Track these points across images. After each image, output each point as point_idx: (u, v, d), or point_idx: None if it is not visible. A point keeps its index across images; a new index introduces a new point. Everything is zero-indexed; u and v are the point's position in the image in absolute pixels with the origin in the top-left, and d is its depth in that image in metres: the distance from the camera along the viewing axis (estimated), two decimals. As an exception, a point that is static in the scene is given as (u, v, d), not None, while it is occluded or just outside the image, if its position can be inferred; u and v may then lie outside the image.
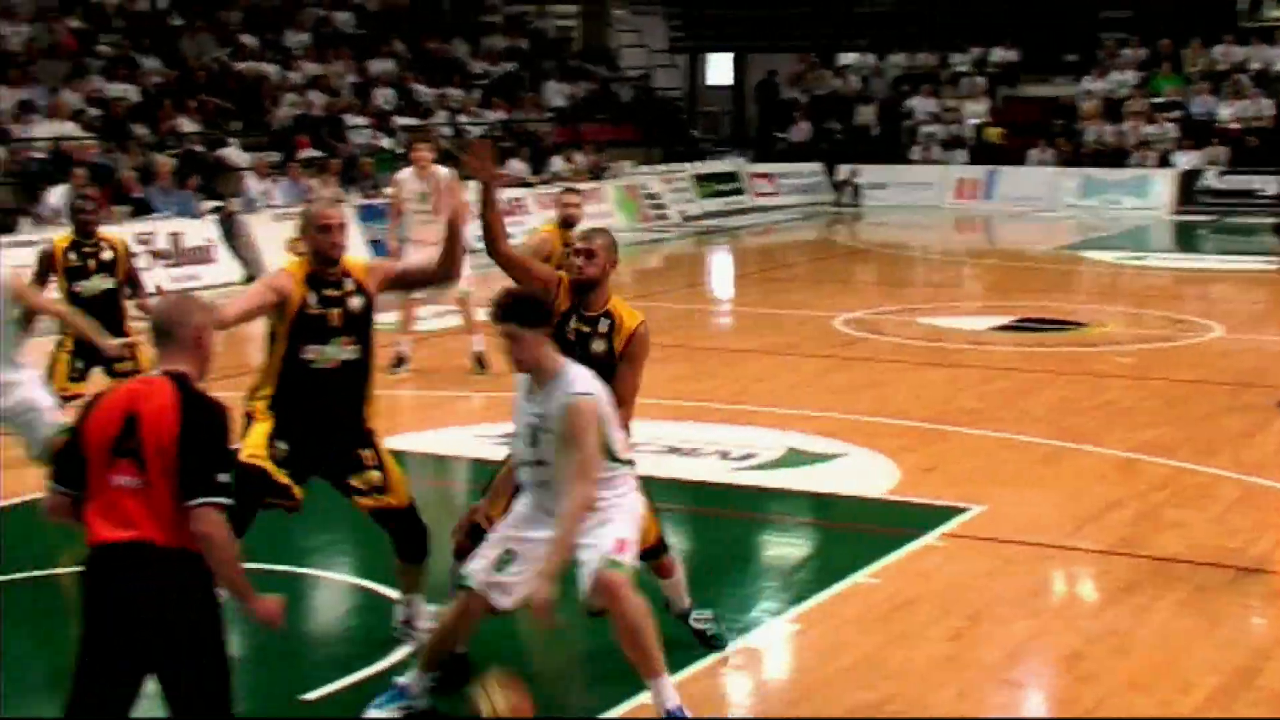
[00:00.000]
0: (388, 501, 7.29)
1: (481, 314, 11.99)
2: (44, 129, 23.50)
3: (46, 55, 25.73)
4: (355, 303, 7.15)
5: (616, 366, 7.07)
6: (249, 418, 7.15)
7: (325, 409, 7.16)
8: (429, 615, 7.41)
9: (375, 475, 7.28)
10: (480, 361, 14.70)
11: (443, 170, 15.26)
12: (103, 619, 5.02)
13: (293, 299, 7.03)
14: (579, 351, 7.01)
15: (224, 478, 5.06)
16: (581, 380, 6.46)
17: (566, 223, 12.06)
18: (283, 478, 7.04)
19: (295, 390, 7.11)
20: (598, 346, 7.12)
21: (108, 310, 11.23)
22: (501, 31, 36.67)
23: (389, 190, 15.74)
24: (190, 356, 5.22)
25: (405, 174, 15.21)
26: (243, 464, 6.82)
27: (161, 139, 24.83)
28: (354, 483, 7.26)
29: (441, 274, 7.53)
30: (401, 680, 6.78)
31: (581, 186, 29.78)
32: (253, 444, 7.02)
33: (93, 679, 5.05)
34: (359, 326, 7.16)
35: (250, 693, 6.22)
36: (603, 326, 7.17)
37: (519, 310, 6.38)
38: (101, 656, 5.03)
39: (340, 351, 7.11)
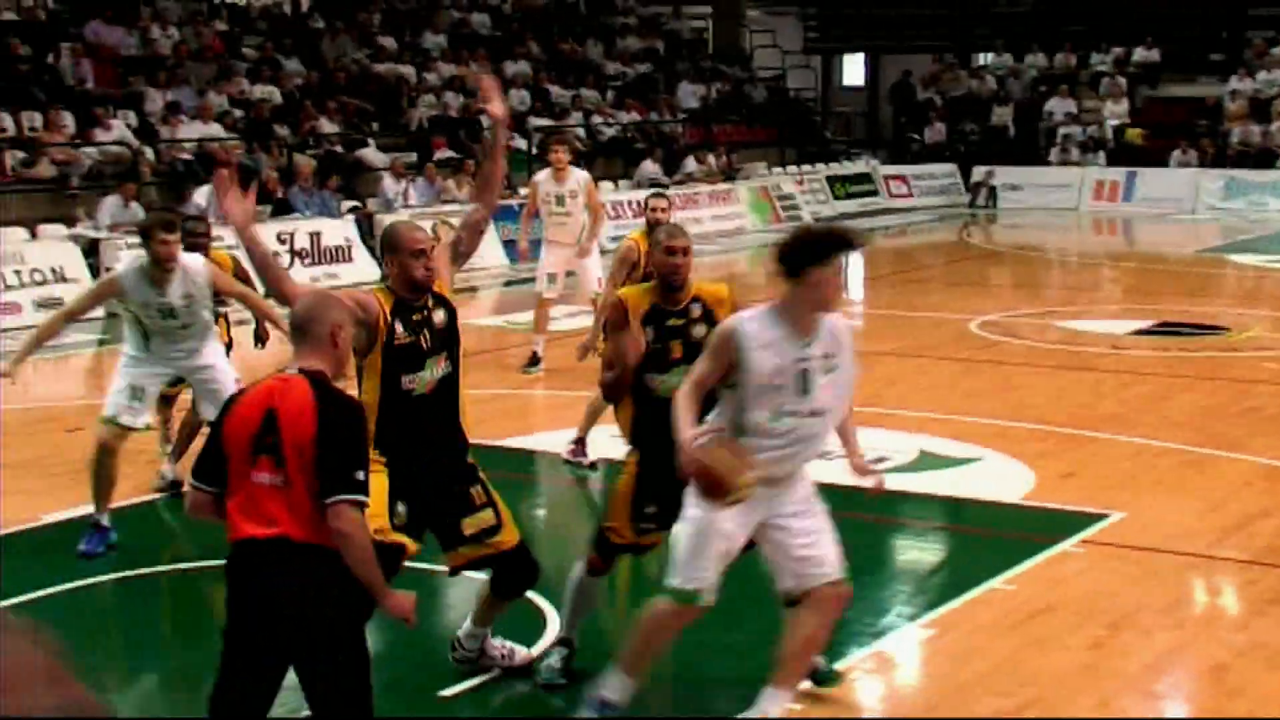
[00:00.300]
0: (500, 544, 6.83)
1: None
2: (190, 130, 23.91)
3: (194, 58, 26.19)
4: (439, 317, 6.73)
5: None
6: None
7: (427, 438, 6.70)
8: (496, 644, 7.23)
9: (488, 515, 6.83)
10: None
11: (581, 173, 15.32)
12: (245, 613, 5.09)
13: (379, 327, 6.52)
14: (683, 343, 6.91)
15: (361, 475, 5.08)
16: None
17: (655, 226, 11.86)
18: (403, 540, 6.58)
19: (396, 421, 6.61)
20: (698, 331, 6.94)
21: None
22: (635, 33, 36.74)
23: (525, 191, 15.80)
24: (326, 354, 5.26)
25: (542, 175, 15.24)
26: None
27: (302, 140, 25.15)
28: (466, 528, 6.75)
29: (484, 203, 7.20)
30: (604, 693, 6.56)
31: (715, 188, 29.89)
32: (374, 514, 6.28)
33: (236, 672, 5.12)
34: (449, 343, 6.76)
35: (389, 689, 6.24)
36: (695, 311, 7.02)
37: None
38: (244, 650, 5.09)
39: (435, 372, 6.68)
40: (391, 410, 6.58)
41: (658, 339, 6.95)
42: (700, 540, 6.23)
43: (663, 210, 11.73)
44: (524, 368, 14.75)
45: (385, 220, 22.94)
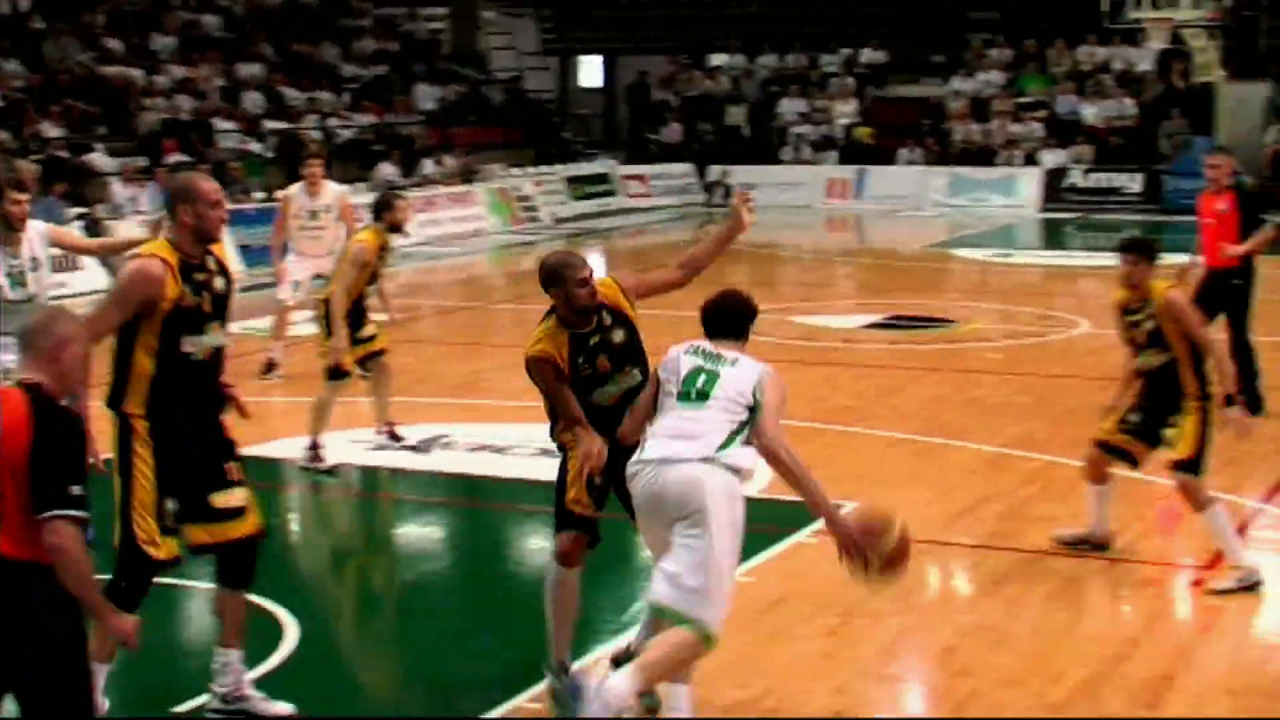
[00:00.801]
0: (242, 530, 6.67)
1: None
2: (-98, 135, 22.99)
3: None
4: (219, 284, 6.67)
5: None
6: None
7: (199, 405, 6.63)
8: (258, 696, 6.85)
9: (240, 494, 6.69)
10: None
11: (336, 186, 15.12)
12: None
13: (168, 291, 6.44)
14: (608, 355, 6.95)
15: (77, 490, 4.96)
16: None
17: (394, 228, 11.75)
18: (163, 554, 6.47)
19: (173, 386, 6.51)
20: (618, 335, 7.02)
21: None
22: (371, 34, 36.39)
23: (278, 202, 15.50)
24: (48, 368, 5.11)
25: (295, 189, 14.96)
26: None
27: (25, 144, 24.35)
28: (215, 502, 6.58)
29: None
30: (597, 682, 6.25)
31: (453, 190, 29.77)
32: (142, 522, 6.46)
33: None
34: (224, 311, 6.69)
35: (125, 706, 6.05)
36: (606, 319, 7.03)
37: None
38: None
39: (214, 339, 6.62)
40: (169, 374, 6.47)
41: (587, 361, 6.91)
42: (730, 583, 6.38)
43: (404, 209, 11.70)
44: (261, 374, 14.54)
45: (113, 226, 22.41)
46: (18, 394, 5.01)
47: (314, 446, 11.30)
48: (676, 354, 6.63)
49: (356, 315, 11.45)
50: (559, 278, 6.89)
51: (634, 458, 6.45)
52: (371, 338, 11.67)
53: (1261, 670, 7.65)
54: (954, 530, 9.74)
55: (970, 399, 13.77)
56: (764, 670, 7.36)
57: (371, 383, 11.81)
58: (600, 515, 7.04)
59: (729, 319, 6.79)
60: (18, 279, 9.09)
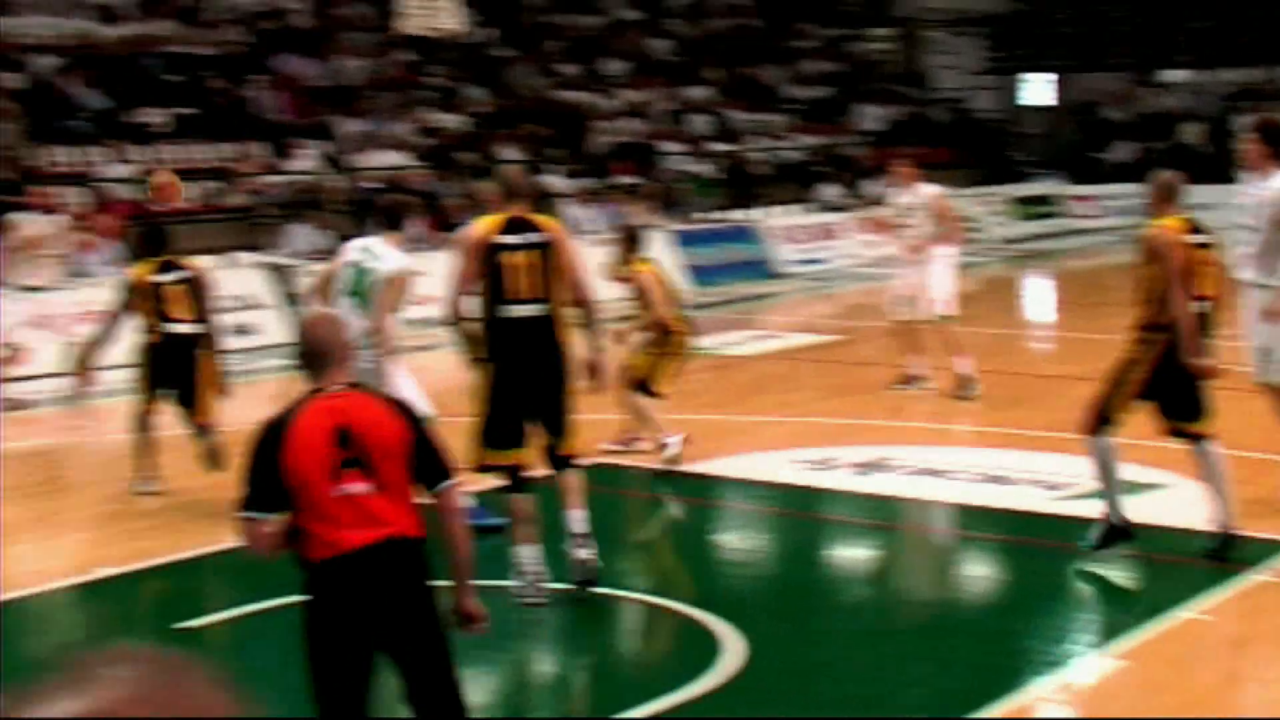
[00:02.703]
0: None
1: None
2: (377, 158, 24.30)
3: (380, 88, 26.62)
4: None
5: None
6: None
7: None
8: None
9: None
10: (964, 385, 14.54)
11: (930, 187, 15.14)
12: (359, 618, 5.26)
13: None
14: None
15: (449, 459, 5.50)
16: None
17: None
18: None
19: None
20: None
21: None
22: (816, 56, 36.59)
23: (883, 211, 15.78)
24: (349, 369, 5.52)
25: (892, 190, 15.18)
26: None
27: (484, 167, 25.40)
28: None
29: None
30: None
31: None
32: None
33: (345, 676, 5.29)
34: None
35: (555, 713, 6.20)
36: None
37: None
38: (355, 654, 5.29)
39: None
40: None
41: None
42: None
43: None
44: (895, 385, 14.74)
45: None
46: (363, 395, 5.45)
47: None
48: None
49: None
50: None
51: None
52: None
53: None
54: None
55: None
56: (1223, 715, 6.98)
57: None
58: None
59: None
60: None
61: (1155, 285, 8.91)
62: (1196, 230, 9.09)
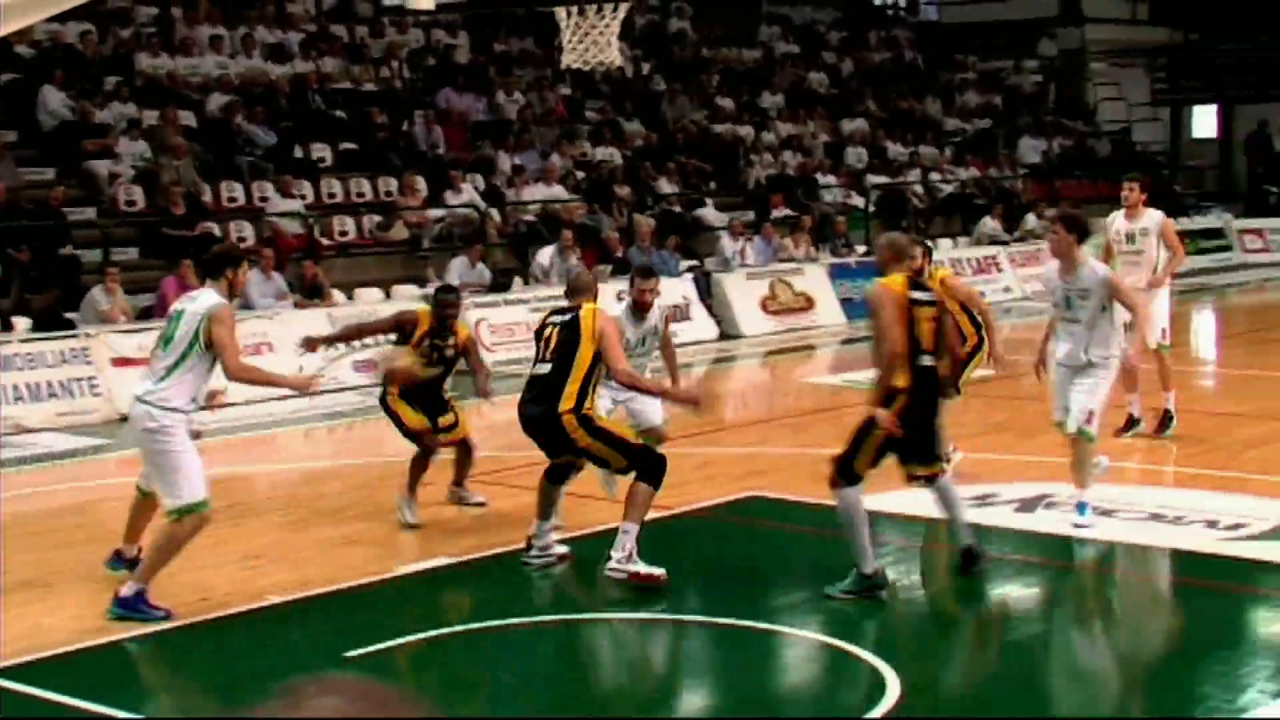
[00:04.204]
0: None
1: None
2: (535, 191, 24.56)
3: (538, 122, 26.92)
4: None
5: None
6: None
7: None
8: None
9: None
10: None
11: (1155, 212, 14.60)
12: None
13: None
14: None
15: None
16: None
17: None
18: None
19: None
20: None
21: (432, 391, 11.60)
22: (975, 88, 36.35)
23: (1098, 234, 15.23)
24: None
25: (1114, 216, 14.63)
26: None
27: (642, 199, 25.56)
28: None
29: None
30: None
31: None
32: None
33: None
34: None
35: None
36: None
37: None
38: None
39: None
40: None
41: None
42: None
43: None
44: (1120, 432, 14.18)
45: (723, 279, 23.21)
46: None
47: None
48: None
49: None
50: None
51: None
52: None
53: None
54: None
55: None
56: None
57: None
58: None
59: None
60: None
61: (878, 339, 9.27)
62: (919, 288, 9.47)
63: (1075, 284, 10.69)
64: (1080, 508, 10.86)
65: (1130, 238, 14.21)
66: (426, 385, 11.55)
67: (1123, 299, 10.86)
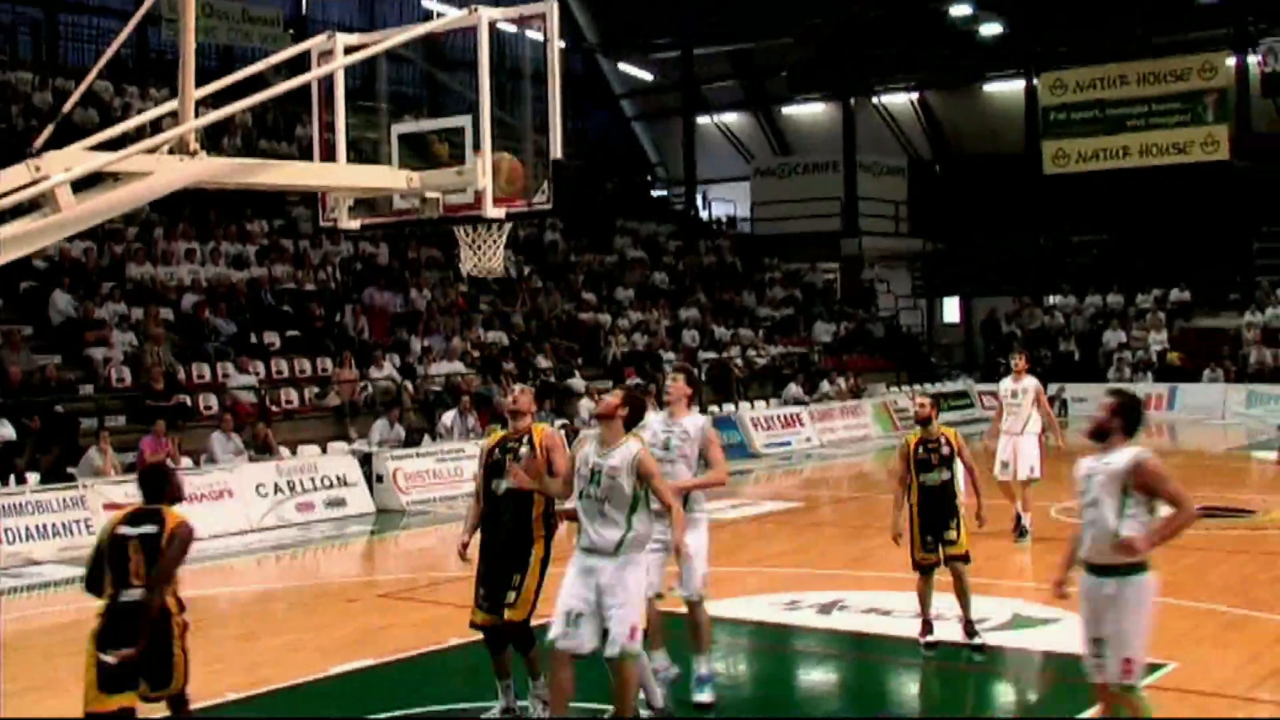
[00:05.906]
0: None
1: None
2: (440, 367, 24.61)
3: (443, 313, 27.03)
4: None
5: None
6: None
7: None
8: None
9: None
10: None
11: (1032, 379, 15.68)
12: None
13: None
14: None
15: None
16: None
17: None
18: None
19: None
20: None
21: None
22: (780, 284, 37.16)
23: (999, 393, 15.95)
24: None
25: (1004, 380, 15.74)
26: None
27: (525, 372, 25.72)
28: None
29: None
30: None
31: (846, 404, 29.85)
32: None
33: None
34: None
35: None
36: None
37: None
38: None
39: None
40: None
41: None
42: None
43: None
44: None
45: (585, 434, 23.32)
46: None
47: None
48: None
49: None
50: None
51: None
52: None
53: None
54: (1262, 689, 9.12)
55: (1275, 577, 12.91)
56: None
57: None
58: None
59: None
60: None
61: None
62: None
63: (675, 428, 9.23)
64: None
65: (1014, 394, 15.43)
66: None
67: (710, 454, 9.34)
